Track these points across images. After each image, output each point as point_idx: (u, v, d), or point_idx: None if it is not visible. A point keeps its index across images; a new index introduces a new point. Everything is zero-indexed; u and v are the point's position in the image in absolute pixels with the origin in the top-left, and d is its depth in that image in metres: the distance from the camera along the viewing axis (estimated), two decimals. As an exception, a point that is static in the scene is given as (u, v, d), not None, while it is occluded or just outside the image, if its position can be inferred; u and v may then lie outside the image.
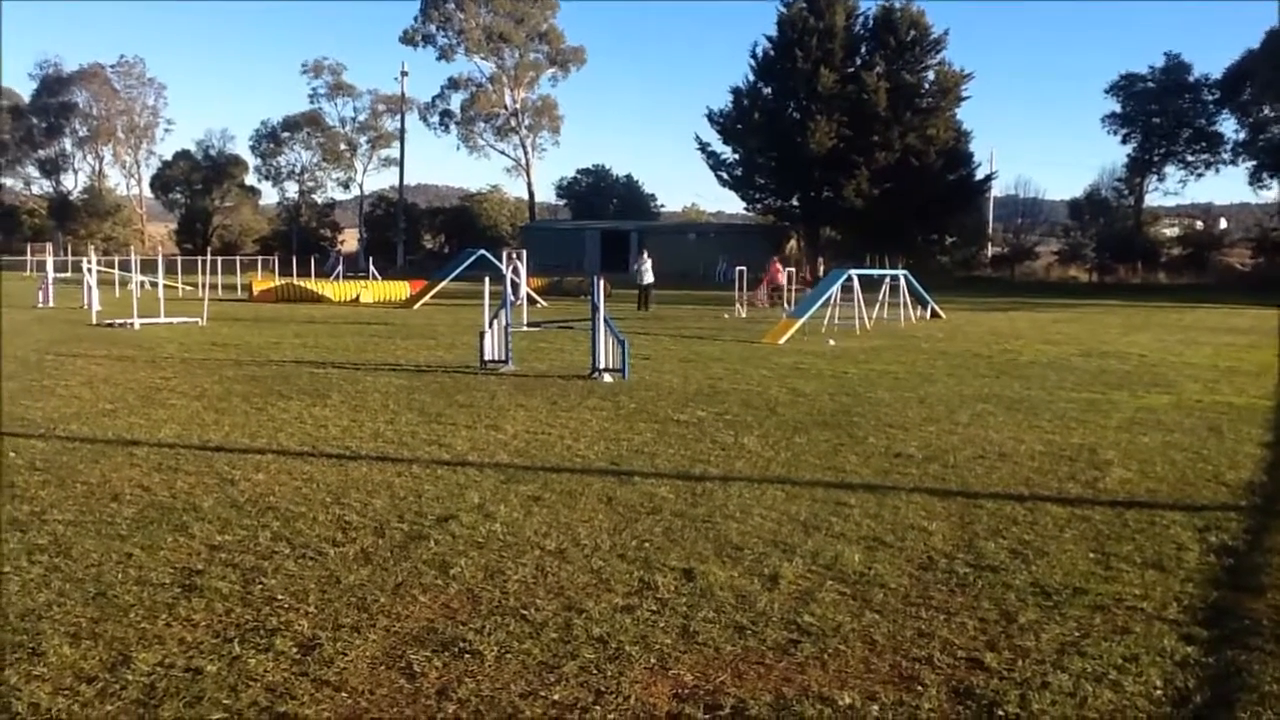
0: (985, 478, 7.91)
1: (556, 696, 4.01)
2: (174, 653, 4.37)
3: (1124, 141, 62.58)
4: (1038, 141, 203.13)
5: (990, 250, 67.94)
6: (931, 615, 4.94)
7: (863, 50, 59.71)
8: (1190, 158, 61.99)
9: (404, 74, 78.85)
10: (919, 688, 4.15)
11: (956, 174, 59.85)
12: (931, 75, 59.64)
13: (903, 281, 25.98)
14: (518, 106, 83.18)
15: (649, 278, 31.49)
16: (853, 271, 23.62)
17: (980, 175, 62.27)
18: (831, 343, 19.38)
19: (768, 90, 61.32)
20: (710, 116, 62.49)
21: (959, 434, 9.76)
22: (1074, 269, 62.59)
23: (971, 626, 4.80)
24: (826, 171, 57.19)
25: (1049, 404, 11.75)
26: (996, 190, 68.13)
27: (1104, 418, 10.81)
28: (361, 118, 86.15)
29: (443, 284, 32.69)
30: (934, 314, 27.20)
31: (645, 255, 33.05)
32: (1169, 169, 63.02)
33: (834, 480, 7.73)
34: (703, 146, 63.60)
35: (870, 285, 25.04)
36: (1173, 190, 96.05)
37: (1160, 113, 60.43)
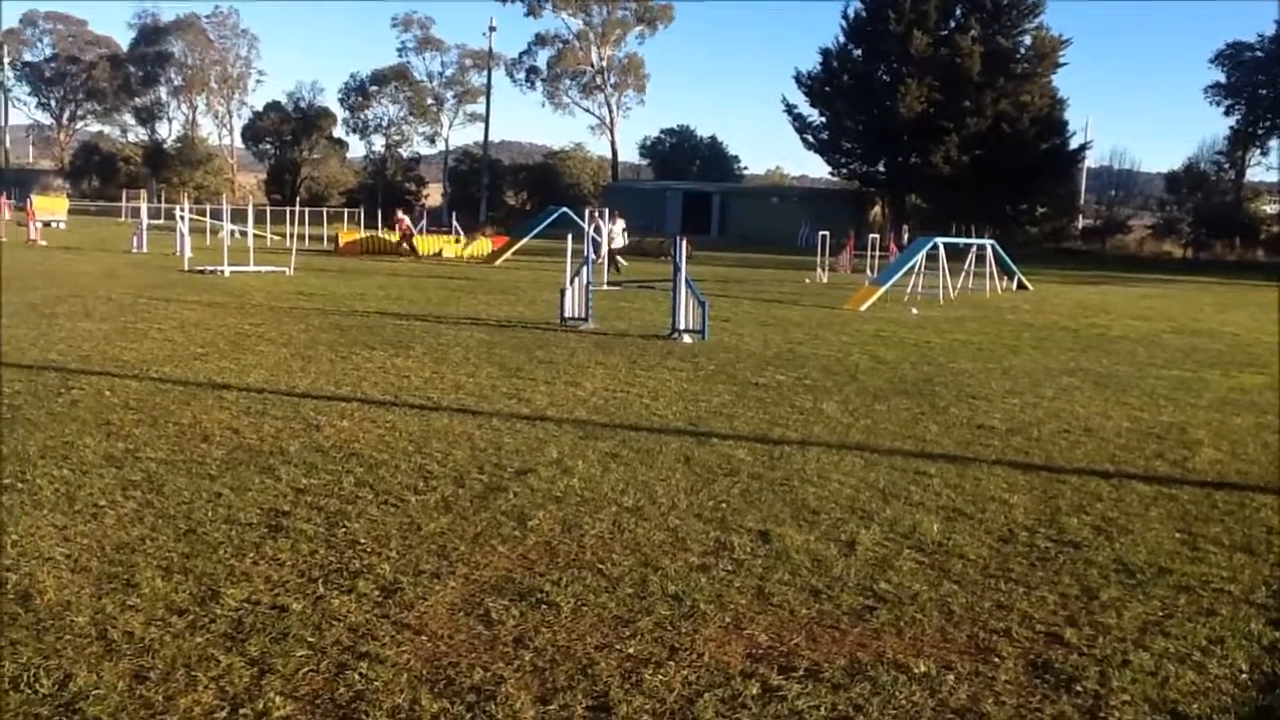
0: (1069, 453, 7.77)
1: (631, 650, 4.05)
2: (261, 590, 4.49)
3: (1227, 113, 60.39)
4: (1136, 112, 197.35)
5: (1081, 222, 66.28)
6: (1010, 588, 4.88)
7: (957, 13, 58.39)
8: (1298, 132, 59.69)
9: (492, 29, 79.00)
10: (996, 659, 4.11)
11: (1050, 143, 58.40)
12: (1028, 40, 58.18)
13: (989, 251, 25.46)
14: (604, 64, 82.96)
15: (619, 241, 30.31)
16: (938, 240, 23.23)
17: (1074, 145, 60.73)
18: (914, 311, 19.12)
19: (858, 53, 60.36)
20: (798, 78, 61.72)
21: (1043, 407, 9.59)
22: (1168, 244, 60.84)
23: (1051, 601, 4.74)
24: (915, 137, 56.23)
25: (1137, 381, 11.49)
26: (1090, 161, 66.33)
27: (1194, 396, 10.54)
28: (449, 73, 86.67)
29: (525, 240, 32.84)
30: (1020, 285, 26.66)
31: (618, 218, 30.84)
32: (1274, 142, 60.75)
33: (914, 449, 7.65)
34: (789, 109, 62.91)
35: (956, 254, 24.63)
36: (1276, 165, 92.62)
37: (1268, 84, 58.12)
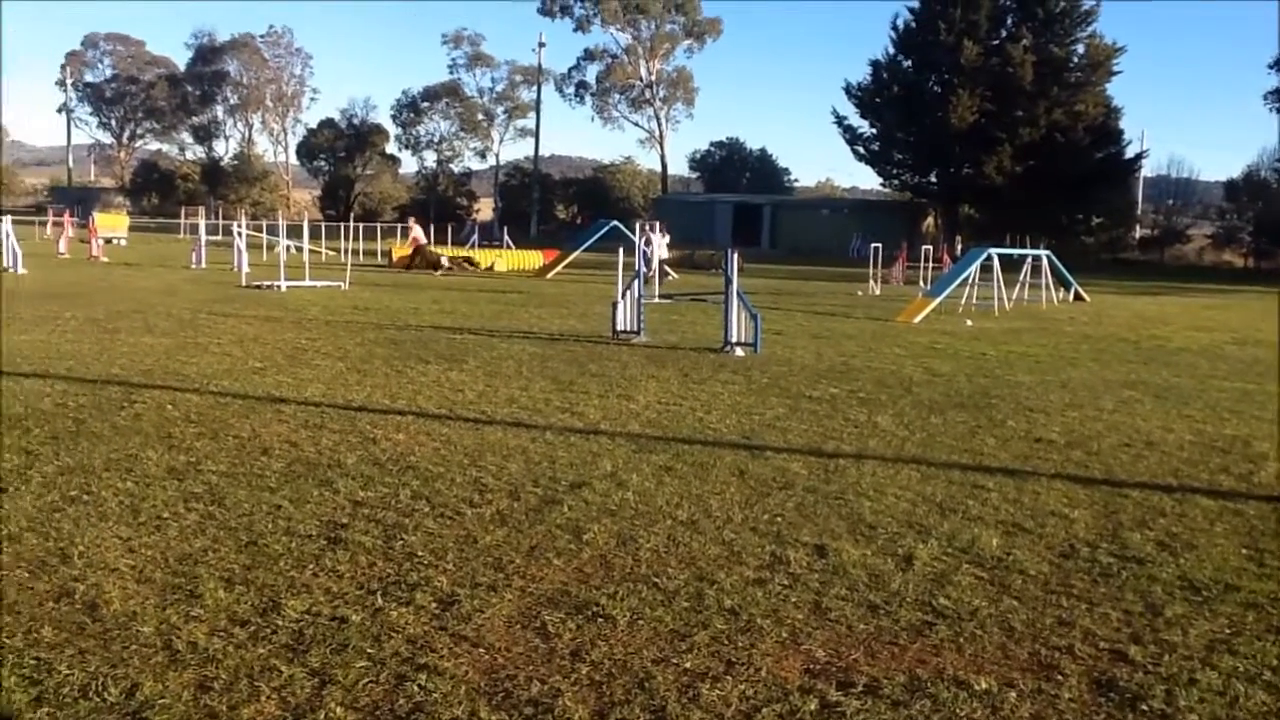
0: (1131, 466, 7.65)
1: (688, 665, 4.04)
2: (321, 601, 4.54)
3: (1287, 120, 59.32)
4: (1193, 119, 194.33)
5: (1138, 232, 65.40)
6: (1073, 604, 4.81)
7: (1009, 22, 58.02)
8: (1361, 138, 58.40)
9: (541, 45, 79.74)
10: (1059, 677, 4.05)
11: (1105, 152, 57.78)
12: (1081, 48, 57.63)
13: (1045, 262, 25.19)
14: (653, 78, 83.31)
15: (663, 253, 29.68)
16: (993, 251, 23.01)
17: (1130, 154, 60.03)
18: (969, 323, 18.95)
19: (908, 63, 60.12)
20: (848, 90, 61.60)
21: (1103, 420, 9.45)
22: (1228, 253, 59.84)
23: (1115, 618, 4.66)
24: (967, 147, 55.84)
25: (1200, 393, 11.29)
26: (1147, 170, 65.56)
27: (1259, 409, 10.33)
28: (499, 88, 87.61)
29: (575, 254, 32.98)
30: (1077, 296, 26.33)
31: (660, 231, 30.25)
32: (1336, 149, 59.51)
33: (971, 463, 7.57)
34: (839, 120, 62.78)
35: (1010, 265, 24.38)
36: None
37: (1329, 89, 56.98)
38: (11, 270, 24.59)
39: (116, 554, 5.04)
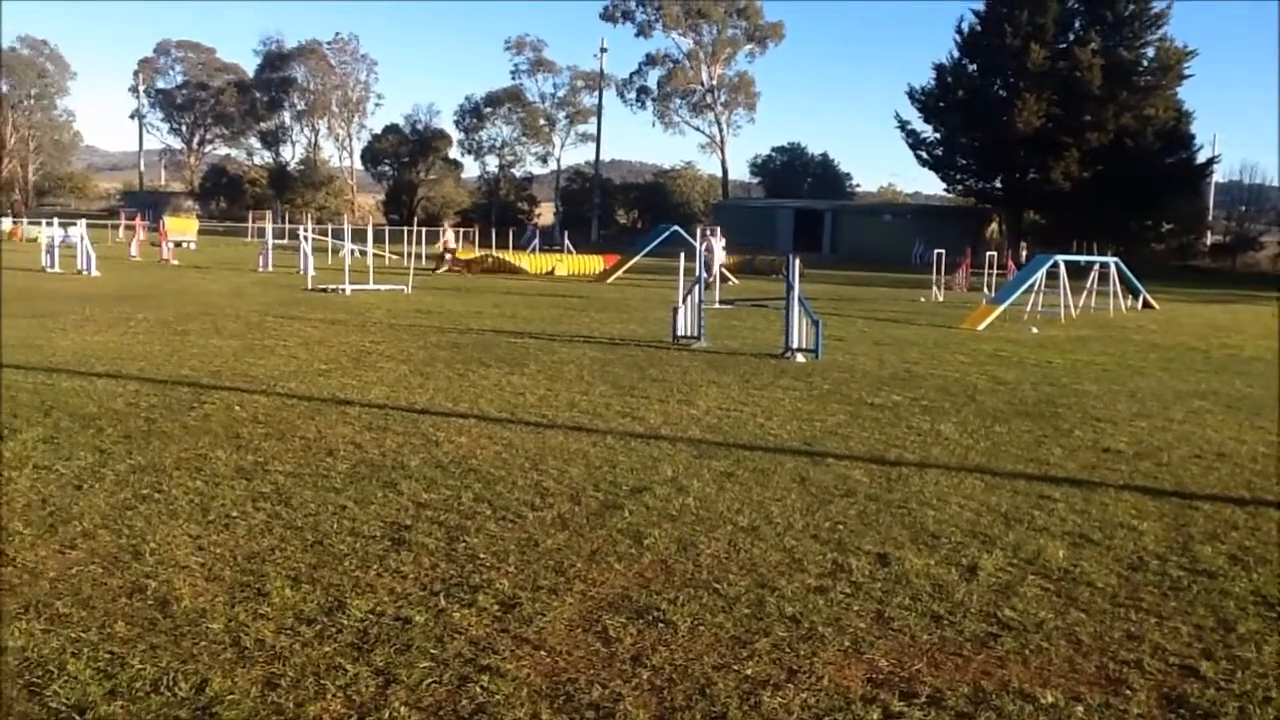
0: (1202, 478, 7.49)
1: (749, 671, 4.03)
2: (385, 601, 4.59)
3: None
4: (1267, 124, 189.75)
5: (1209, 239, 64.03)
6: (1141, 618, 4.72)
7: (1076, 25, 57.11)
8: None
9: (603, 50, 79.98)
10: (1127, 691, 3.98)
11: (1175, 157, 56.65)
12: (1151, 51, 56.52)
13: (1113, 269, 24.75)
14: (714, 83, 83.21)
15: (721, 257, 29.28)
16: (1059, 257, 22.67)
17: (1201, 159, 58.72)
18: (1034, 330, 18.68)
19: (973, 67, 59.46)
20: (911, 94, 61.04)
21: (1173, 431, 9.27)
22: (1303, 261, 58.34)
23: (1185, 632, 4.57)
24: (1032, 152, 55.08)
25: (1273, 404, 11.02)
26: (1218, 175, 64.08)
27: (1336, 421, 10.06)
28: (561, 94, 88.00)
29: (636, 259, 33.04)
30: (1146, 304, 25.84)
31: (718, 234, 29.47)
32: None
33: (1037, 473, 7.46)
34: (902, 125, 62.23)
35: (1077, 272, 24.00)
36: None
37: None
38: (85, 273, 25.17)
39: (186, 551, 5.14)
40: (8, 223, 52.93)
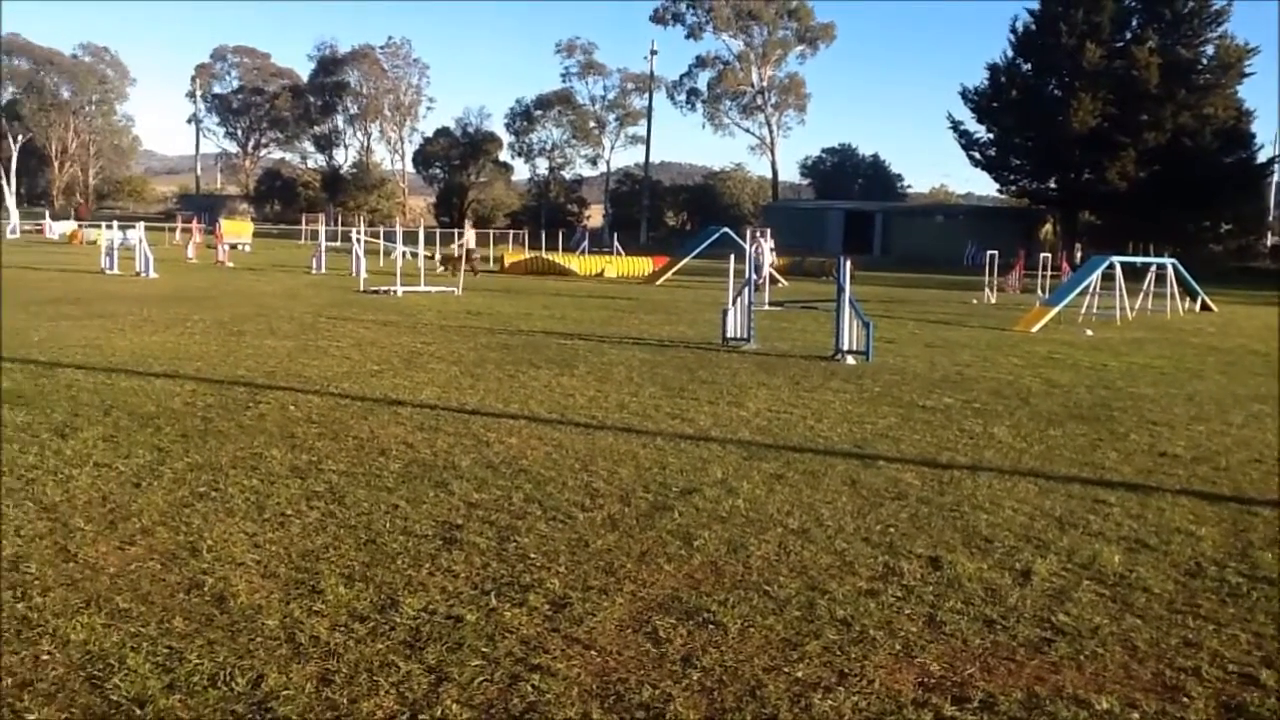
0: (1262, 484, 7.35)
1: (800, 674, 4.01)
2: (436, 600, 4.63)
3: None
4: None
5: (1270, 240, 62.77)
6: (1199, 625, 4.64)
7: (1133, 23, 56.31)
8: None
9: (653, 53, 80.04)
10: (1184, 699, 3.92)
11: (1234, 156, 55.68)
12: (1210, 50, 55.57)
13: (1170, 270, 24.35)
14: (764, 84, 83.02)
15: (771, 258, 29.02)
16: (1115, 259, 22.34)
17: (1262, 158, 57.64)
18: (1089, 333, 18.43)
19: (1027, 66, 58.83)
20: (964, 94, 60.56)
21: (1231, 435, 9.10)
22: (1367, 263, 57.02)
23: (1244, 640, 4.49)
24: (1088, 152, 54.40)
25: (1337, 408, 10.78)
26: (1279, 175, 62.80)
27: (1403, 426, 9.83)
28: (611, 96, 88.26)
29: (685, 261, 33.03)
30: (1204, 306, 25.40)
31: (767, 235, 29.44)
32: None
33: (1092, 477, 7.36)
34: (955, 125, 61.73)
35: (1133, 274, 23.65)
36: None
37: None
38: (144, 275, 25.62)
39: (243, 549, 5.22)
40: (70, 226, 54.04)
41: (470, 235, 35.28)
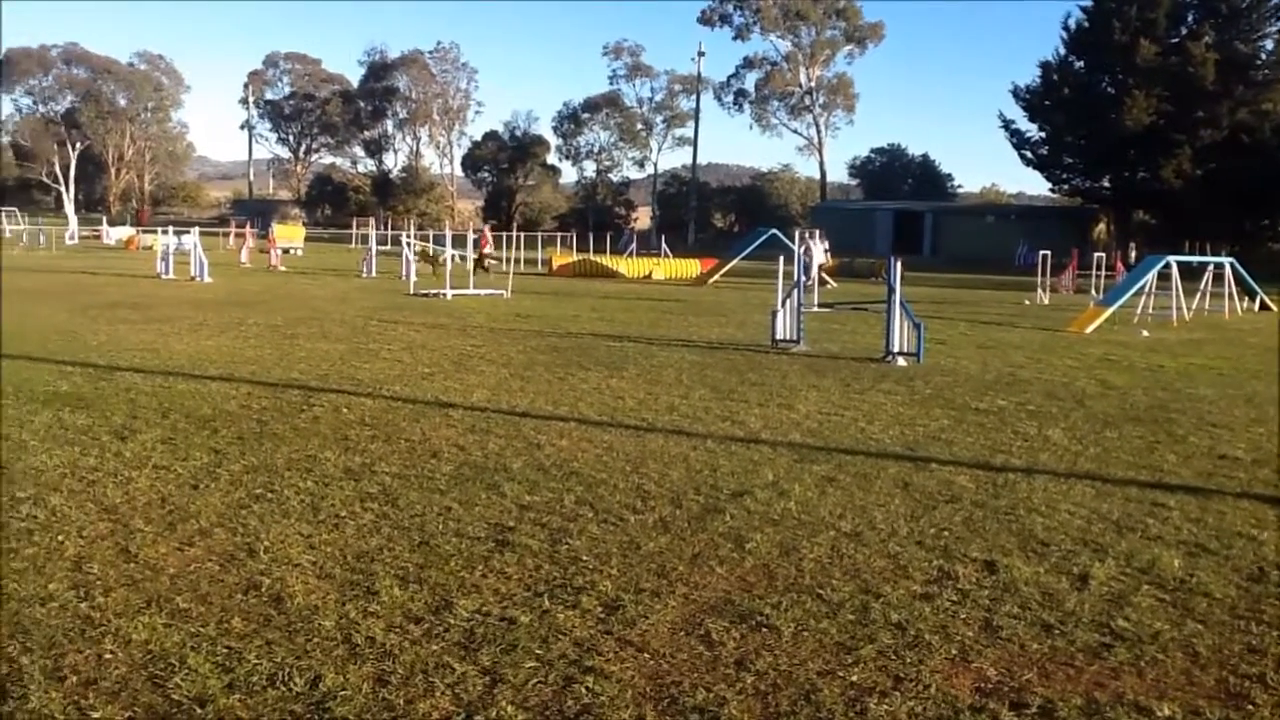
0: (1326, 487, 7.20)
1: (855, 678, 3.99)
2: (490, 602, 4.65)
3: None
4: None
5: (1331, 238, 61.42)
6: (1263, 631, 4.55)
7: (1189, 19, 55.37)
8: None
9: (701, 54, 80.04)
10: (1249, 706, 3.84)
11: (1295, 153, 54.44)
12: (1270, 44, 54.56)
13: (1228, 270, 23.93)
14: (812, 85, 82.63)
15: (821, 257, 29.10)
16: (1171, 258, 21.98)
17: (1324, 155, 56.35)
18: (1145, 334, 18.16)
19: (1079, 64, 58.06)
20: (1015, 93, 59.97)
21: (1294, 437, 8.92)
22: None
23: (1311, 647, 4.39)
24: (1142, 150, 53.60)
25: (1403, 409, 10.53)
26: (1342, 172, 61.43)
27: None
28: (658, 98, 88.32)
29: (734, 262, 32.96)
30: (1263, 306, 24.94)
31: (819, 236, 30.01)
32: None
33: (1150, 480, 7.25)
34: (1006, 124, 61.13)
35: (1190, 273, 23.25)
36: None
37: None
38: (199, 280, 26.01)
39: (299, 550, 5.28)
40: (127, 231, 55.02)
41: (489, 236, 35.40)
